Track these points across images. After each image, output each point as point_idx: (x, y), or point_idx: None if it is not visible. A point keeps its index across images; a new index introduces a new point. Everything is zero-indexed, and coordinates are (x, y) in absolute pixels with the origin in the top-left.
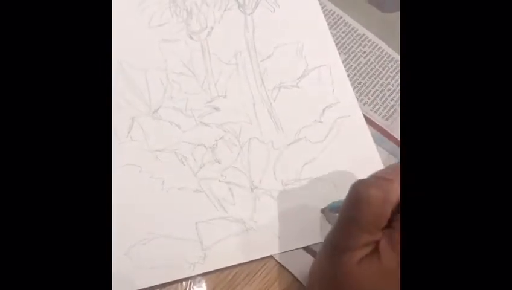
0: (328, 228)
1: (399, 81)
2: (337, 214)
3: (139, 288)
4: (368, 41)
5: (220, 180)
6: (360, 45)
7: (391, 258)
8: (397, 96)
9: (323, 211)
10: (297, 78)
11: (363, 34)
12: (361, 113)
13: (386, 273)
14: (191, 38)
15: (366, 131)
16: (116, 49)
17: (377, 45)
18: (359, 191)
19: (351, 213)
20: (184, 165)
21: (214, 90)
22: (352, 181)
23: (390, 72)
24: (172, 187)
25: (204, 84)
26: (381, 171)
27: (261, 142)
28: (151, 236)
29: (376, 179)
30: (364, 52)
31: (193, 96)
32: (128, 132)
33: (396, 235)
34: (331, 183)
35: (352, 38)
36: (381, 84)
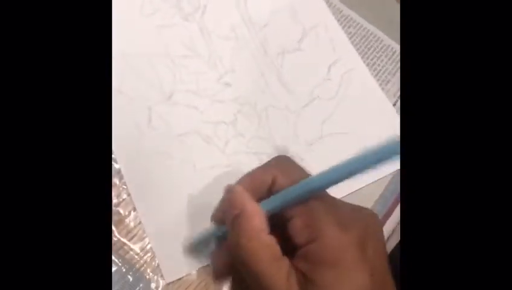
0: None
1: (385, 60)
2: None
3: (198, 268)
4: (353, 22)
5: (247, 153)
6: (345, 26)
7: (319, 274)
8: (383, 75)
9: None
10: (298, 41)
11: (348, 15)
12: (363, 64)
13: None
14: (187, 20)
15: (371, 79)
16: (115, 43)
17: (362, 26)
18: (237, 251)
19: (249, 270)
20: (210, 144)
21: (221, 67)
22: (371, 129)
23: (376, 52)
24: (203, 167)
25: (210, 63)
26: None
27: (277, 108)
28: (196, 218)
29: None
30: (350, 33)
31: (202, 76)
32: (149, 122)
33: (306, 250)
34: (353, 135)
35: (337, 19)
36: (367, 64)
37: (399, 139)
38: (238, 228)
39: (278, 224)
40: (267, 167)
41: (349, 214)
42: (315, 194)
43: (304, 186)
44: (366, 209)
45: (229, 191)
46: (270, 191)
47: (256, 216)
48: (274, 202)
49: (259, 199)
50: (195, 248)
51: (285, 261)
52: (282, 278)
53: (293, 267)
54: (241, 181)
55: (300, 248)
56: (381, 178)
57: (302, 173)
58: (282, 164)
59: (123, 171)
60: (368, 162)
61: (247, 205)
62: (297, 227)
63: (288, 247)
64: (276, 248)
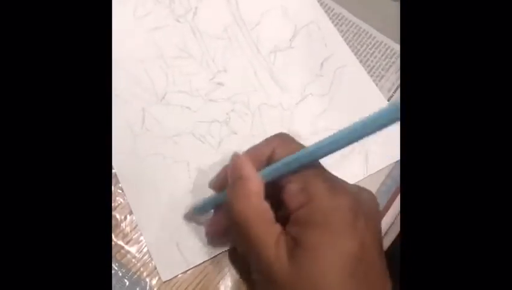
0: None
1: (378, 57)
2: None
3: (193, 266)
4: (345, 20)
5: (241, 151)
6: (337, 24)
7: (308, 235)
8: (377, 71)
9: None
10: (289, 40)
11: (340, 13)
12: (356, 60)
13: (313, 253)
14: (179, 21)
15: (364, 75)
16: None
17: (354, 23)
18: (232, 213)
19: (241, 233)
20: (203, 143)
21: (214, 67)
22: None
23: (369, 49)
24: (197, 166)
25: (202, 63)
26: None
27: (270, 106)
28: (191, 216)
29: (237, 188)
30: (342, 30)
31: (195, 77)
32: (143, 124)
33: (295, 215)
34: None
35: (329, 17)
36: (361, 61)
37: (398, 106)
38: (234, 190)
39: (276, 193)
40: (268, 140)
41: (343, 185)
42: (312, 165)
43: (300, 155)
44: (365, 189)
45: (232, 157)
46: (270, 162)
47: (252, 180)
48: (272, 169)
49: (260, 169)
50: (196, 213)
51: (276, 227)
52: (270, 242)
53: (285, 233)
54: (245, 152)
55: (293, 213)
56: (379, 170)
57: (300, 146)
58: (282, 138)
59: (118, 173)
60: (364, 129)
61: (245, 168)
62: (291, 192)
63: (285, 215)
64: (269, 213)
